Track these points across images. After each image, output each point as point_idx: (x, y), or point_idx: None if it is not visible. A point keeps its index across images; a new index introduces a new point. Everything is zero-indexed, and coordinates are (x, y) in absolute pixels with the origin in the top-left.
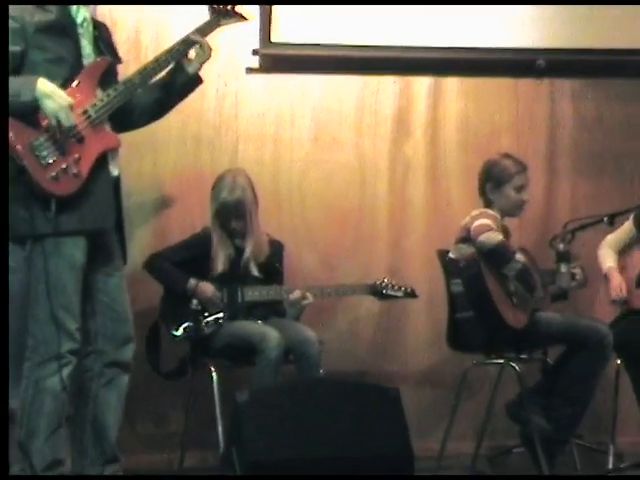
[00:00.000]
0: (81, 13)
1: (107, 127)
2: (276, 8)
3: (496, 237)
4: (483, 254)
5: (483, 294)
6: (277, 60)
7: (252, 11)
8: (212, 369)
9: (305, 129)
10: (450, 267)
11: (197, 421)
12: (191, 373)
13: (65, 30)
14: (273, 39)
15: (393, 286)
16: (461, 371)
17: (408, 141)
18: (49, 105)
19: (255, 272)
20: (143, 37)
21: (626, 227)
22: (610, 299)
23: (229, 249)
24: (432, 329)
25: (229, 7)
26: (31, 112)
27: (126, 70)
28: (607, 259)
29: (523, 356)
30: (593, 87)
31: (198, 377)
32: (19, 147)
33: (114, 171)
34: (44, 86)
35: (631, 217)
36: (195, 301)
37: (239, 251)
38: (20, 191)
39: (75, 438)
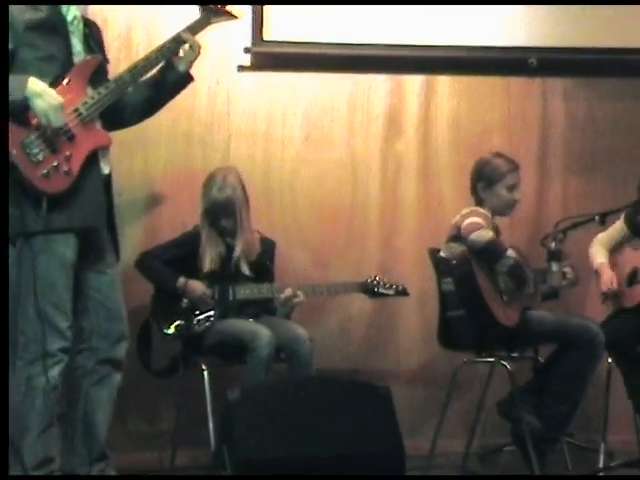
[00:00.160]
0: (71, 11)
1: (98, 125)
2: (268, 6)
3: (487, 235)
4: (474, 252)
5: (474, 292)
6: (269, 58)
7: (243, 9)
8: (203, 367)
9: (297, 127)
10: (441, 265)
11: (188, 419)
12: (182, 371)
13: (55, 28)
14: (265, 37)
15: (384, 284)
16: (452, 369)
17: (400, 140)
18: (39, 104)
19: (246, 270)
20: (134, 35)
21: (617, 226)
22: (601, 292)
23: (219, 247)
24: (423, 327)
25: (219, 6)
26: (21, 111)
27: (117, 68)
28: (598, 256)
29: (514, 354)
30: (585, 86)
31: (189, 375)
32: (10, 144)
33: (105, 169)
34: (35, 85)
35: (622, 216)
36: (186, 300)
37: (230, 249)
38: (11, 189)
39: (66, 436)
